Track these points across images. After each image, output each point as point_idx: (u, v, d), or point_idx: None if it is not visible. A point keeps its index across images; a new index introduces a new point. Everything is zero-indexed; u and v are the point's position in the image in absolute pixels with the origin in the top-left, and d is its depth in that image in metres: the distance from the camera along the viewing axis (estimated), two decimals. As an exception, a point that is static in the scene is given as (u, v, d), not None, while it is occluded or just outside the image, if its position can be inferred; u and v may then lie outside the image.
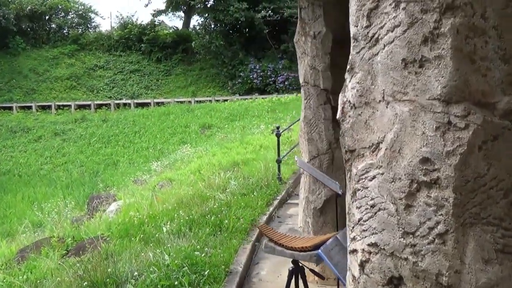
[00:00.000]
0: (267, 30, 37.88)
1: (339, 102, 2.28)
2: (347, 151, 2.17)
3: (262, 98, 34.65)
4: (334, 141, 5.25)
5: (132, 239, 6.45)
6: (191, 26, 46.11)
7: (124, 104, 36.97)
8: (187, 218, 7.00)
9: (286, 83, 37.10)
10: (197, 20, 57.94)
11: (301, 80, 5.42)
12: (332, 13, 5.10)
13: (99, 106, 36.40)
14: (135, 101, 37.26)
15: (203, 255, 5.61)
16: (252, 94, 36.30)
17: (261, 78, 37.18)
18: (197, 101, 36.19)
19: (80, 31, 44.76)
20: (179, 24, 71.81)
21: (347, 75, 2.33)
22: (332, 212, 5.32)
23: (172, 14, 47.26)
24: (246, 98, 35.30)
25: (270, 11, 37.25)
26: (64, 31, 44.23)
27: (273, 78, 37.29)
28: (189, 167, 12.81)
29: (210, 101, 35.97)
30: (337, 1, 5.06)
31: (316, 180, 5.33)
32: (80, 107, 36.46)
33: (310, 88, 5.28)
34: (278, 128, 10.35)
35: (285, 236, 3.82)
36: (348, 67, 2.26)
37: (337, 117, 2.30)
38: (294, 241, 3.64)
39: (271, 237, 3.70)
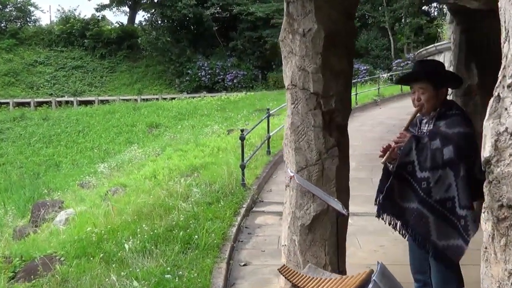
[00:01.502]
0: (215, 27, 37.23)
1: (489, 132, 1.58)
2: (504, 205, 1.54)
3: (211, 96, 34.00)
4: (325, 150, 4.72)
5: (91, 259, 5.73)
6: (136, 21, 44.82)
7: (67, 102, 35.52)
8: (151, 233, 6.32)
9: (235, 81, 36.56)
10: (143, 16, 56.66)
11: (286, 83, 4.85)
12: (324, 8, 4.57)
13: (40, 104, 34.79)
14: (78, 98, 35.85)
15: (176, 279, 4.97)
16: (200, 92, 35.59)
17: (209, 76, 36.49)
18: (143, 99, 35.16)
19: (18, 25, 42.72)
20: (124, 19, 69.96)
21: (505, 93, 1.63)
22: (321, 229, 4.79)
23: (117, 9, 45.86)
24: (194, 96, 34.57)
25: (219, 8, 36.61)
26: (2, 24, 42.07)
27: (221, 76, 36.67)
28: (143, 171, 12.05)
29: (157, 99, 35.00)
30: (331, -5, 4.53)
31: (304, 194, 4.80)
32: (19, 104, 34.75)
33: (298, 91, 4.73)
34: (242, 131, 9.77)
35: (310, 279, 3.24)
36: (509, 81, 1.56)
37: (485, 155, 1.61)
38: (322, 285, 3.07)
39: (295, 282, 3.13)
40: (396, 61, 34.43)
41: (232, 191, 8.59)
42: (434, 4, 37.27)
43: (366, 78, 29.77)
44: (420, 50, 11.42)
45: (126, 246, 5.93)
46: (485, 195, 1.55)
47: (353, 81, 30.05)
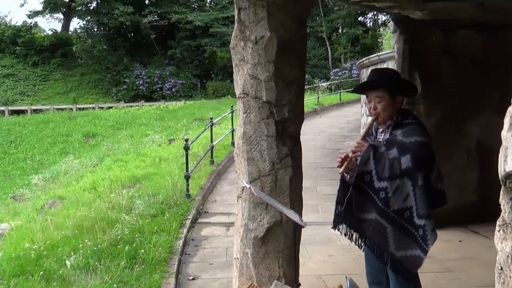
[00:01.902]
0: (153, 36, 36.73)
1: (511, 144, 1.36)
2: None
3: (149, 105, 33.48)
4: (278, 161, 4.62)
5: (30, 277, 5.38)
6: (71, 28, 43.64)
7: (-3, 111, 34.04)
8: (94, 248, 6.03)
9: (173, 90, 36.18)
10: (78, 23, 55.20)
11: (238, 91, 4.73)
12: (277, 15, 4.48)
13: (-32, 113, 33.19)
14: (10, 108, 34.49)
15: (124, 297, 4.73)
16: (138, 101, 34.98)
17: (147, 85, 35.94)
18: (79, 108, 34.20)
19: None
20: (58, 26, 68.03)
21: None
22: (274, 242, 4.68)
23: (50, 15, 44.50)
24: (132, 105, 33.93)
25: (157, 16, 36.16)
26: None
27: (160, 85, 36.20)
28: (81, 183, 11.60)
29: (94, 108, 34.13)
30: (284, 2, 4.44)
31: (257, 205, 4.68)
32: None
33: (250, 100, 4.61)
34: (187, 141, 9.54)
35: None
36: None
37: (508, 168, 1.39)
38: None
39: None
40: (334, 71, 35.03)
41: (176, 202, 8.36)
42: (370, 15, 38.24)
43: (305, 87, 30.08)
44: (363, 59, 11.54)
45: (68, 262, 5.62)
46: (503, 211, 1.43)
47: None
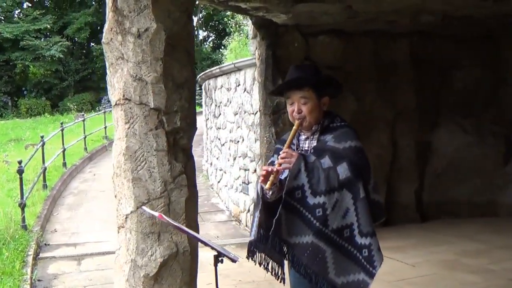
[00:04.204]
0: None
1: None
2: None
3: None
4: (171, 180, 3.81)
5: None
6: None
7: None
8: None
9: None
10: None
11: (115, 97, 3.83)
12: (163, 3, 3.70)
13: None
14: None
15: None
16: None
17: None
18: None
19: None
20: None
21: None
22: (170, 278, 3.86)
23: None
24: None
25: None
26: None
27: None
28: None
29: None
30: (173, -13, 3.68)
31: (147, 236, 3.82)
32: None
33: (133, 107, 3.75)
34: (20, 163, 8.12)
35: None
36: None
37: None
38: None
39: None
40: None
41: (13, 236, 7.01)
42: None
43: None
44: (212, 69, 10.99)
45: None
46: None
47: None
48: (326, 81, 3.28)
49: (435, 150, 8.49)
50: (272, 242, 3.03)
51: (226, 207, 9.90)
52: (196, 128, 4.05)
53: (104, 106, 30.20)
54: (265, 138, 7.38)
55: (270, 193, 3.09)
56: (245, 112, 8.44)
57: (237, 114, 8.91)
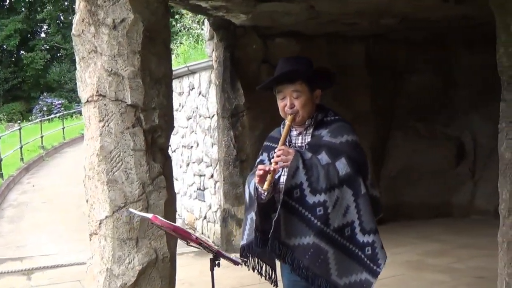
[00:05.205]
0: None
1: None
2: None
3: None
4: (149, 181, 3.56)
5: None
6: None
7: None
8: None
9: None
10: None
11: (86, 94, 3.55)
12: (141, -7, 3.47)
13: None
14: None
15: None
16: None
17: None
18: None
19: None
20: None
21: None
22: (149, 287, 3.60)
23: None
24: None
25: None
26: None
27: None
28: None
29: None
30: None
31: (124, 242, 3.55)
32: None
33: (108, 103, 3.48)
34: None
35: None
36: None
37: None
38: None
39: None
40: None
41: None
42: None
43: (64, 113, 27.70)
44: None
45: None
46: None
47: (52, 116, 27.96)
48: (320, 73, 3.12)
49: (390, 153, 8.55)
50: (272, 245, 2.84)
51: (179, 214, 9.59)
52: (173, 127, 3.83)
53: (36, 115, 29.08)
54: (224, 142, 7.17)
55: (266, 194, 2.89)
56: (200, 116, 8.21)
57: (190, 118, 8.66)
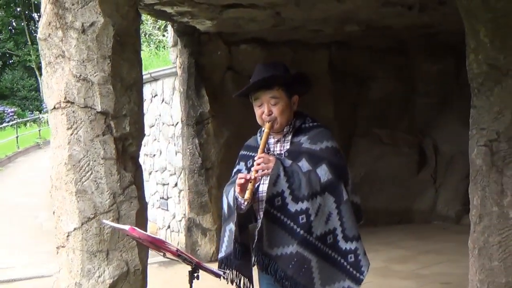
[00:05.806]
0: None
1: None
2: None
3: None
4: (120, 191, 3.43)
5: None
6: None
7: None
8: None
9: None
10: None
11: (53, 100, 3.41)
12: (112, -4, 3.36)
13: None
14: None
15: None
16: None
17: None
18: None
19: None
20: None
21: None
22: (121, 301, 3.46)
23: None
24: None
25: None
26: None
27: None
28: None
29: None
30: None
31: (94, 255, 3.41)
32: None
33: (77, 111, 3.34)
34: None
35: None
36: None
37: None
38: None
39: None
40: (48, 102, 32.42)
41: None
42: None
43: (18, 121, 26.93)
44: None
45: None
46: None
47: (5, 124, 27.18)
48: (297, 79, 3.06)
49: (353, 160, 8.58)
50: (257, 256, 2.77)
51: (140, 225, 9.40)
52: (144, 134, 3.71)
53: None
54: (188, 150, 7.05)
55: (246, 203, 2.80)
56: (163, 123, 8.07)
57: (153, 126, 8.50)
